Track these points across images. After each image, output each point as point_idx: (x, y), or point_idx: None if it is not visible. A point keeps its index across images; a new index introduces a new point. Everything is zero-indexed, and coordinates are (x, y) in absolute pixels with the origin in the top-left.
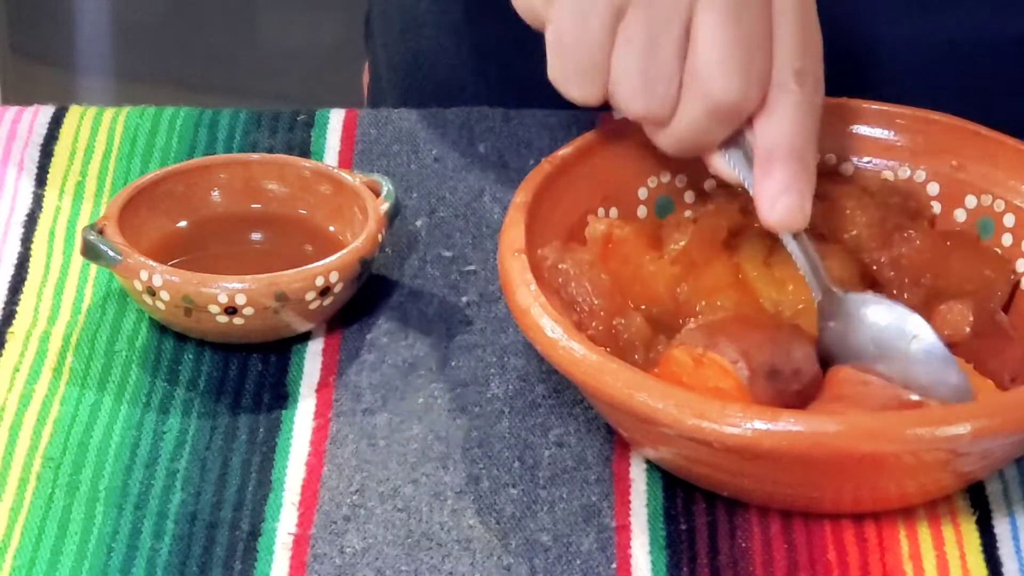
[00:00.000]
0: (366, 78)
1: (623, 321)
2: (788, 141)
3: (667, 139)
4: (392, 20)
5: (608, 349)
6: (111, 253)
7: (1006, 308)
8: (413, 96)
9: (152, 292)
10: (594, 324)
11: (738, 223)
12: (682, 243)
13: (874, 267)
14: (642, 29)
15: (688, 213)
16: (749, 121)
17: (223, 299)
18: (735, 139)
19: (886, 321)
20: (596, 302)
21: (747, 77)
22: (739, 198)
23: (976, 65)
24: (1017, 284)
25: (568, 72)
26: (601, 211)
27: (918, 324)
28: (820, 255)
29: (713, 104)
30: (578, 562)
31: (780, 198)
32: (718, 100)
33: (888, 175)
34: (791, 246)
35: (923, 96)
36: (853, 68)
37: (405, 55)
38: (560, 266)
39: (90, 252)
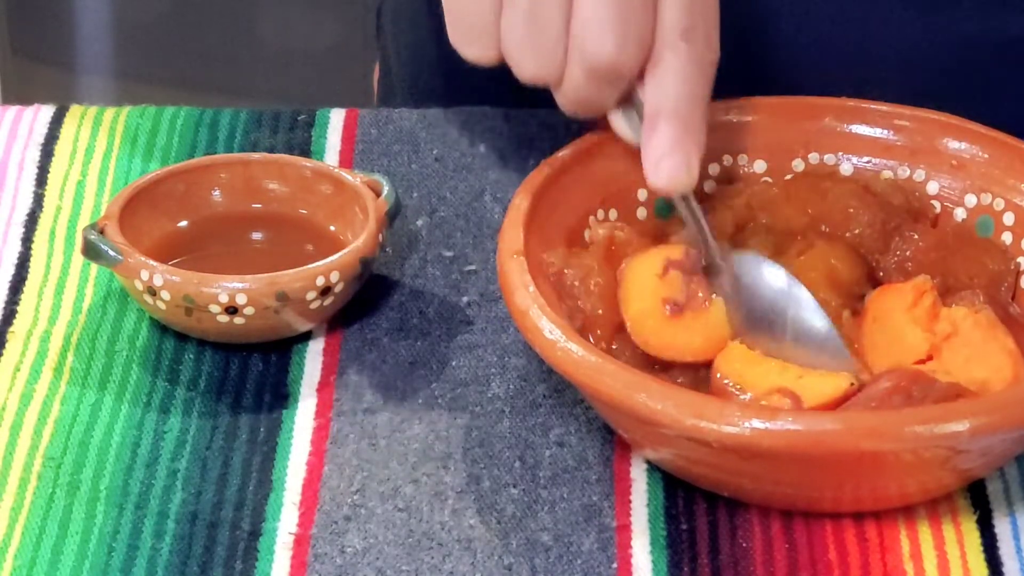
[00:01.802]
0: (376, 74)
1: (616, 347)
2: (673, 101)
3: (562, 100)
4: (401, 12)
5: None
6: (112, 253)
7: (1012, 299)
8: (423, 89)
9: (153, 292)
10: (598, 331)
11: (743, 218)
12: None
13: (880, 271)
14: None
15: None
16: (642, 80)
17: (224, 299)
18: (629, 98)
19: (772, 291)
20: (600, 311)
21: (623, 38)
22: (742, 195)
23: (976, 64)
24: (1020, 274)
25: (461, 34)
26: (601, 213)
27: (801, 294)
28: (837, 258)
29: (589, 66)
30: (579, 562)
31: (664, 160)
32: (593, 62)
33: (888, 175)
34: (680, 208)
35: (923, 96)
36: (853, 68)
37: (414, 48)
38: (565, 271)
39: (91, 252)
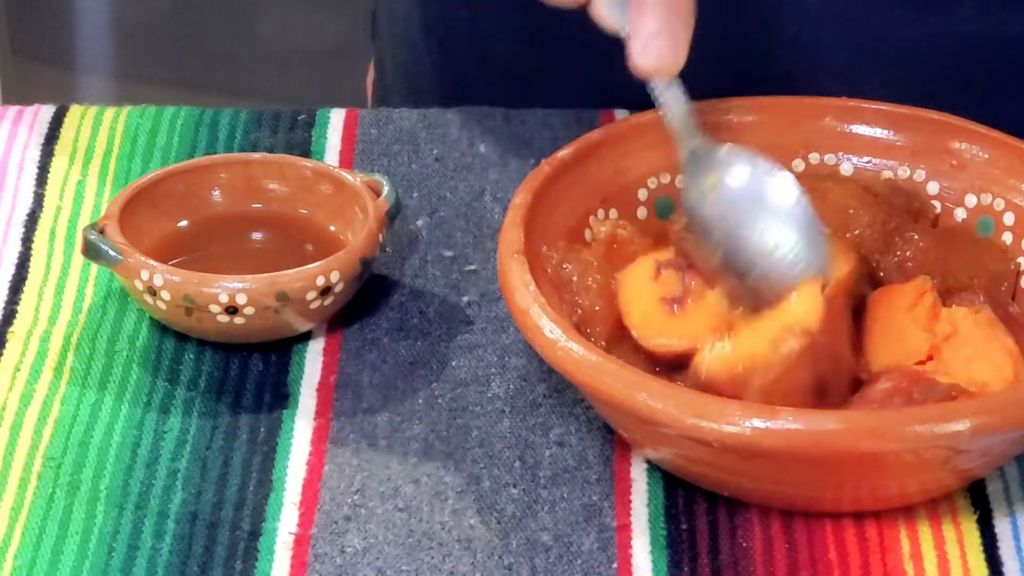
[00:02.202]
0: (370, 77)
1: (614, 347)
2: None
3: None
4: (397, 15)
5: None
6: (112, 253)
7: (1012, 299)
8: (418, 92)
9: (153, 292)
10: (597, 328)
11: None
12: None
13: (880, 271)
14: None
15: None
16: None
17: (224, 299)
18: None
19: (755, 186)
20: (597, 308)
21: None
22: None
23: (976, 64)
24: (1020, 275)
25: None
26: (601, 212)
27: (785, 184)
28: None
29: None
30: (579, 562)
31: (651, 41)
32: None
33: (888, 175)
34: (664, 96)
35: (923, 96)
36: (853, 68)
37: (410, 50)
38: (564, 266)
39: (91, 252)
